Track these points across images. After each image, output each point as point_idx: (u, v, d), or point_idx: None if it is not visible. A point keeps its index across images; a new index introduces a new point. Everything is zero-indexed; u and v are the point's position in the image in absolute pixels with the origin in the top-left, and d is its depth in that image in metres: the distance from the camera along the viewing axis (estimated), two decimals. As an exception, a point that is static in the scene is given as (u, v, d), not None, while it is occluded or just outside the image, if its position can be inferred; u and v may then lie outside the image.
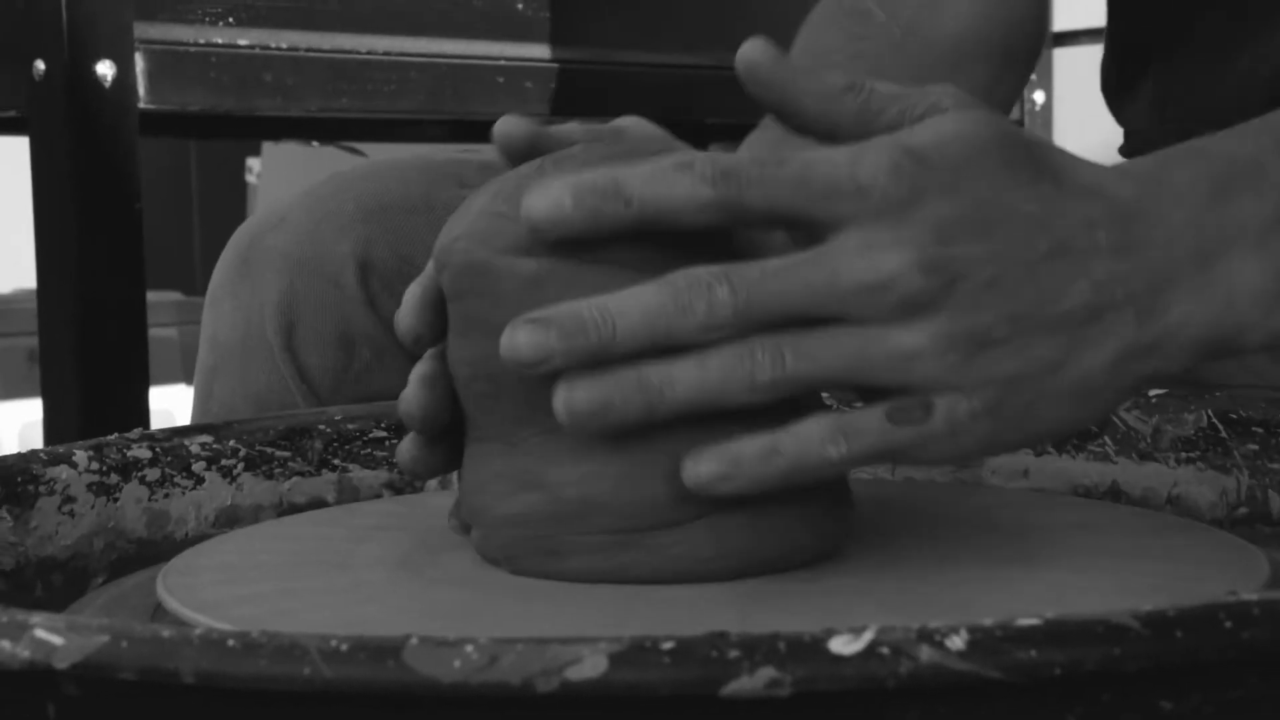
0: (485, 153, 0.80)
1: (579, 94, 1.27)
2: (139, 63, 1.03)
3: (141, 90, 1.04)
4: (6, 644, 0.33)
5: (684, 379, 0.43)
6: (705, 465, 0.43)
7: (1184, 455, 0.59)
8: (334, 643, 0.31)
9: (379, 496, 0.64)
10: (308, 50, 1.13)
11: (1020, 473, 0.63)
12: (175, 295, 2.30)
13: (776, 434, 0.43)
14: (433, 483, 0.65)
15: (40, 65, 1.01)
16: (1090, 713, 0.31)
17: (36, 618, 0.33)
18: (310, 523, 0.57)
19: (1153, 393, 0.61)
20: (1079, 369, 0.44)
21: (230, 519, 0.60)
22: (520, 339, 0.43)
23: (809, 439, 0.43)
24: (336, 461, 0.63)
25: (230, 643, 0.31)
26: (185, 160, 3.38)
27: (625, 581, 0.44)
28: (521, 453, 0.45)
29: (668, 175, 0.43)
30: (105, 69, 1.01)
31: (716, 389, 0.43)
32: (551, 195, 0.43)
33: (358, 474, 0.64)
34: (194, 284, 3.09)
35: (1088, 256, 0.44)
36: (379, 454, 0.64)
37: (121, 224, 1.04)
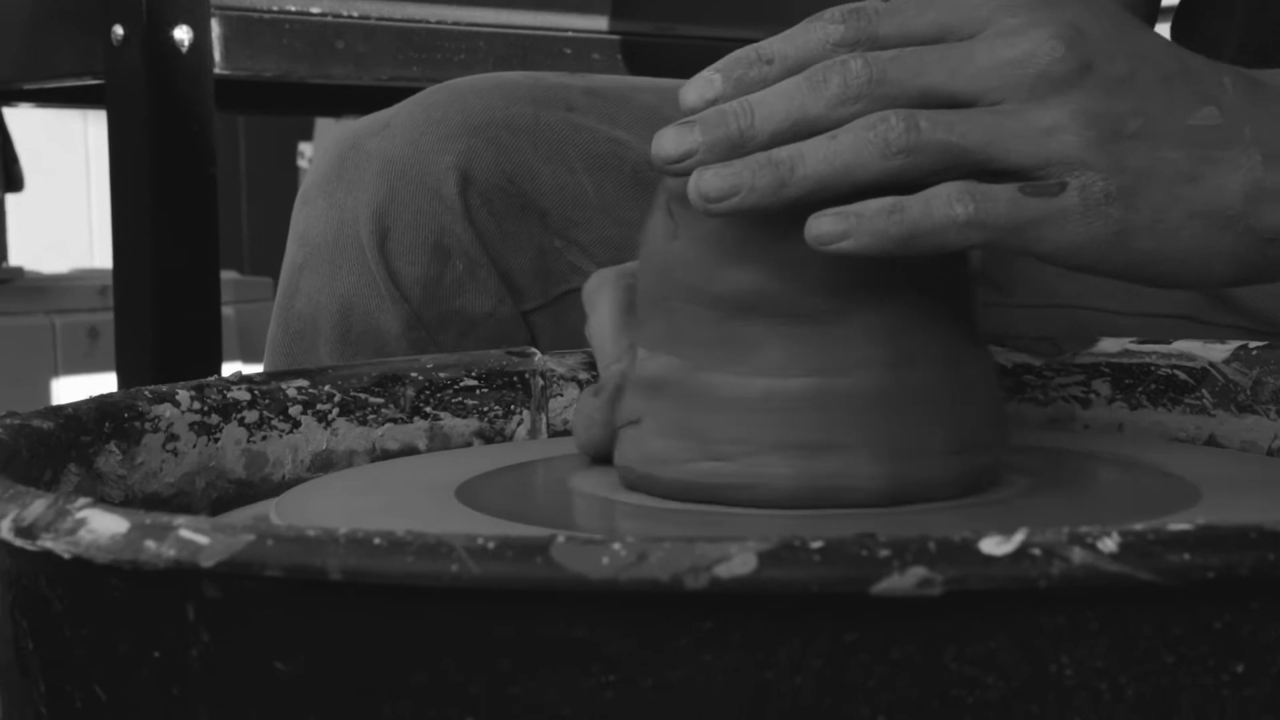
0: (589, 78, 0.80)
1: (644, 66, 1.27)
2: (215, 28, 1.04)
3: (217, 56, 1.04)
4: (151, 544, 0.33)
5: (814, 152, 0.43)
6: (826, 221, 0.43)
7: (1285, 406, 0.59)
8: (481, 540, 0.31)
9: (469, 445, 0.64)
10: (379, 19, 1.13)
11: (1115, 426, 0.63)
12: (232, 274, 2.31)
13: (901, 197, 0.43)
14: (522, 432, 0.65)
15: (119, 30, 1.02)
16: (1238, 620, 0.31)
17: (181, 519, 0.33)
18: (414, 464, 0.57)
19: (1252, 345, 0.60)
20: (1211, 185, 0.45)
21: (325, 463, 0.61)
22: (666, 136, 0.45)
23: (935, 197, 0.43)
24: (428, 409, 0.64)
25: (377, 540, 0.31)
26: (234, 141, 3.40)
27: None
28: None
29: (802, 28, 0.45)
30: (182, 34, 1.02)
31: (849, 157, 0.43)
32: (701, 79, 0.45)
33: (449, 422, 0.64)
34: (242, 266, 3.12)
35: (1215, 89, 0.46)
36: (469, 402, 0.64)
37: (196, 189, 1.04)
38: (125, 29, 1.01)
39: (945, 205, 0.43)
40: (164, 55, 1.01)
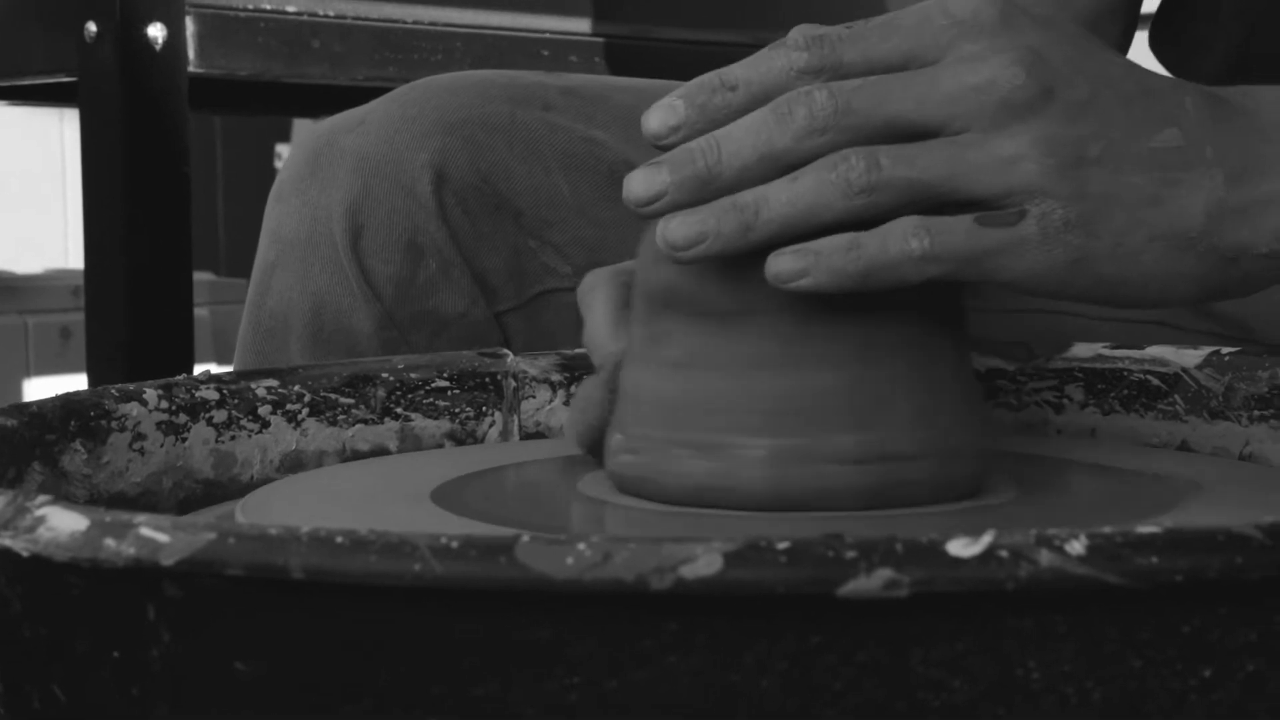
0: (566, 78, 0.80)
1: (621, 68, 1.27)
2: (189, 26, 1.03)
3: (191, 54, 1.04)
4: (111, 542, 0.32)
5: (778, 195, 0.43)
6: (785, 259, 0.43)
7: (1257, 413, 0.59)
8: (444, 540, 0.31)
9: (440, 446, 0.64)
10: (355, 18, 1.13)
11: (1088, 431, 0.63)
12: (208, 275, 2.31)
13: (859, 234, 0.44)
14: (494, 434, 0.65)
15: (92, 27, 1.01)
16: (1206, 624, 0.31)
17: (141, 517, 0.33)
18: (383, 465, 0.57)
19: (1225, 350, 0.60)
20: (1173, 207, 0.45)
21: (294, 464, 0.60)
22: (636, 179, 0.44)
23: (891, 232, 0.43)
24: (399, 410, 0.63)
25: (339, 539, 0.31)
26: (210, 143, 3.38)
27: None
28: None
29: (765, 54, 0.45)
30: (156, 31, 1.01)
31: (811, 199, 0.43)
32: (664, 105, 0.45)
33: (420, 423, 0.64)
34: (218, 268, 3.10)
35: (1177, 111, 0.46)
36: (441, 404, 0.64)
37: (170, 188, 1.04)
38: (99, 26, 1.01)
39: (901, 240, 0.43)
40: (138, 53, 1.01)
